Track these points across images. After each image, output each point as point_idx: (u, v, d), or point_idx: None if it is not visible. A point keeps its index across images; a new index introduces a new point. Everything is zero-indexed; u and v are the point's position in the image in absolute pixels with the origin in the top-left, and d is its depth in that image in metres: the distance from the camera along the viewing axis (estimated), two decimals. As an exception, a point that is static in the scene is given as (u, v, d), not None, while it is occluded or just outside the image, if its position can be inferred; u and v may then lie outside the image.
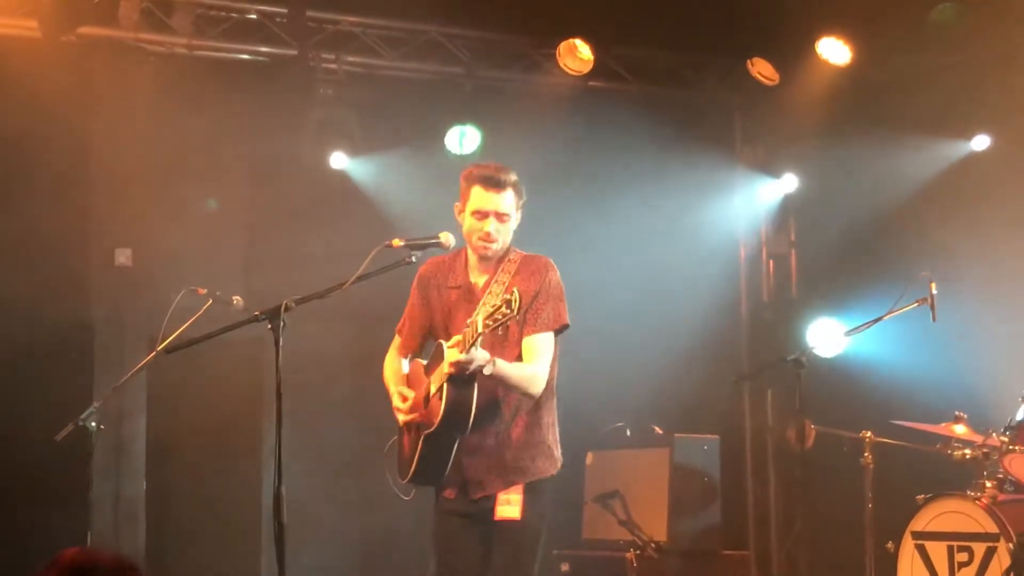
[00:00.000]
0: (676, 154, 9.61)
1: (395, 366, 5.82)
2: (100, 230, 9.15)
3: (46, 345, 8.66)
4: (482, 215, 5.43)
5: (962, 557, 7.05)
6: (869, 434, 7.89)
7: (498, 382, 5.21)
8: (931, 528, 7.21)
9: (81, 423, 6.73)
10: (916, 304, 7.19)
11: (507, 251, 5.50)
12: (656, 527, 8.32)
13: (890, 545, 7.37)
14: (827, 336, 9.09)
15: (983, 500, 6.98)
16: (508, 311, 4.75)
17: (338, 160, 9.42)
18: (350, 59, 9.15)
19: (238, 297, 6.89)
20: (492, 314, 4.79)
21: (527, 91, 9.49)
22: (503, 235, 5.43)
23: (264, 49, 8.99)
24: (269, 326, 5.15)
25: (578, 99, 9.51)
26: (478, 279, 5.51)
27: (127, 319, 9.06)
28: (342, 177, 9.50)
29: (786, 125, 9.86)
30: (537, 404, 5.35)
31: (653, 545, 8.10)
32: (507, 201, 5.44)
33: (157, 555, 9.02)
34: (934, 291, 7.11)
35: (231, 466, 9.35)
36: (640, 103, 9.79)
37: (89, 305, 9.10)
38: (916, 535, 7.27)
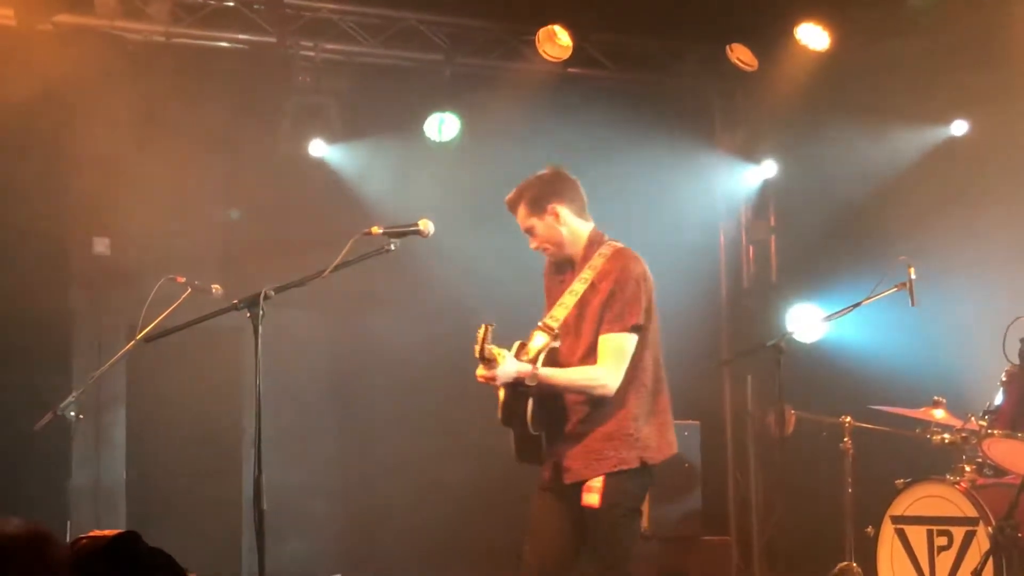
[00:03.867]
0: (655, 140, 9.61)
1: None
2: (78, 219, 9.12)
3: (25, 334, 8.63)
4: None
5: (941, 541, 7.08)
6: (848, 419, 7.93)
7: (556, 388, 5.35)
8: (910, 512, 7.24)
9: (60, 412, 6.72)
10: (895, 289, 7.19)
11: (594, 244, 5.60)
12: (637, 512, 8.32)
13: (870, 529, 7.40)
14: (807, 321, 9.10)
15: (962, 484, 7.01)
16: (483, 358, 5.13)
17: (317, 148, 9.40)
18: (328, 46, 9.12)
19: (217, 285, 6.88)
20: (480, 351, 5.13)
21: (506, 78, 9.47)
22: (543, 242, 5.60)
23: (242, 36, 8.95)
24: (248, 314, 5.15)
25: (557, 85, 9.50)
26: (572, 271, 5.62)
27: (105, 308, 9.03)
28: (321, 165, 9.47)
29: (765, 111, 9.86)
30: (621, 398, 5.38)
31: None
32: (521, 219, 5.63)
33: (138, 544, 9.00)
34: (913, 276, 7.11)
35: (211, 454, 9.34)
36: (619, 89, 9.79)
37: (67, 294, 9.07)
38: (896, 519, 7.29)
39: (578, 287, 5.46)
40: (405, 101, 9.48)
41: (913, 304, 7.12)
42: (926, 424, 7.46)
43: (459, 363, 9.47)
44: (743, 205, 10.59)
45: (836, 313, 7.44)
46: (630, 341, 5.37)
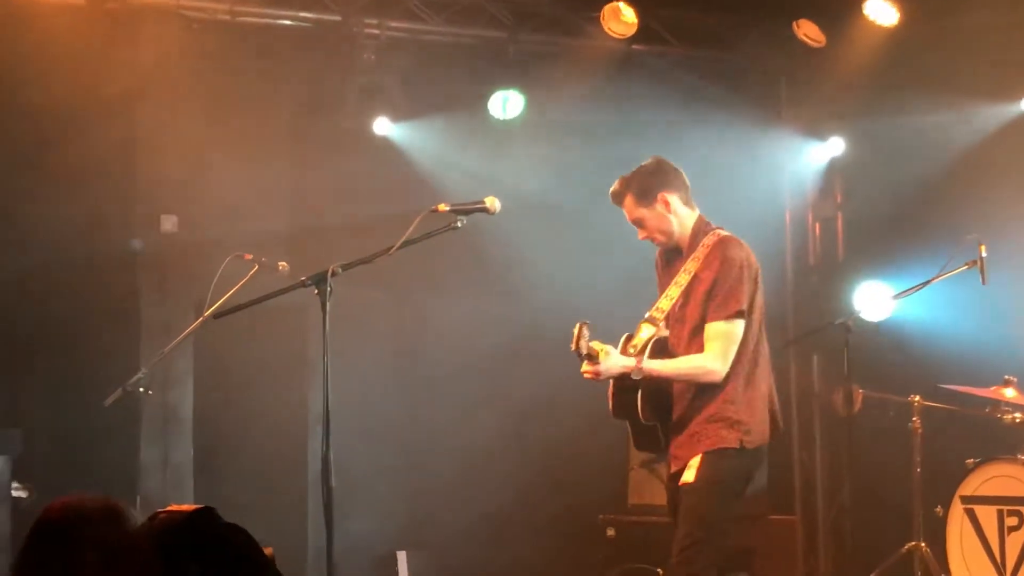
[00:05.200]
0: (720, 118, 9.53)
1: None
2: (146, 197, 9.17)
3: (94, 312, 8.71)
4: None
5: (1012, 521, 7.03)
6: (918, 398, 7.86)
7: (663, 379, 5.46)
8: (980, 492, 7.18)
9: (129, 388, 6.79)
10: (965, 267, 7.13)
11: (699, 233, 5.67)
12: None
13: (939, 510, 7.35)
14: (874, 300, 9.00)
15: (1033, 464, 6.95)
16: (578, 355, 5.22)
17: (381, 126, 9.41)
18: (393, 24, 9.10)
19: (284, 263, 6.91)
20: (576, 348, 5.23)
21: (570, 55, 9.42)
22: (653, 232, 5.69)
23: (307, 15, 8.95)
24: (316, 291, 5.18)
25: (621, 63, 9.44)
26: (680, 260, 5.70)
27: (173, 285, 9.08)
28: (386, 143, 9.49)
29: (832, 88, 9.75)
30: (721, 382, 5.46)
31: (699, 510, 8.08)
32: (629, 209, 5.70)
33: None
34: (983, 254, 7.05)
35: (277, 430, 9.38)
36: (684, 66, 9.71)
37: (135, 272, 9.13)
38: (965, 499, 7.24)
39: (682, 278, 5.56)
40: (469, 79, 9.47)
41: (984, 282, 7.06)
42: (996, 403, 7.39)
43: (522, 343, 9.55)
44: (809, 183, 10.49)
45: (905, 291, 7.40)
46: (737, 327, 5.45)
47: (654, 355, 5.43)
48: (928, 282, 7.20)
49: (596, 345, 5.26)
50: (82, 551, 2.56)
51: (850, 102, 9.78)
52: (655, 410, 5.48)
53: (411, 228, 5.30)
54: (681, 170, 5.79)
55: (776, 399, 5.74)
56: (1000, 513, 7.08)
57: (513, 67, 9.41)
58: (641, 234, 5.72)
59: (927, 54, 9.17)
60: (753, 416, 5.53)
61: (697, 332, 5.48)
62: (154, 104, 8.90)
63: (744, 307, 5.45)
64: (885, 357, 8.78)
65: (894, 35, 9.02)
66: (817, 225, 10.51)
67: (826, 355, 9.91)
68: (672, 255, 5.75)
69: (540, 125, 9.49)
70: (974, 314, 8.27)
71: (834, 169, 10.32)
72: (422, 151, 9.49)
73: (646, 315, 5.55)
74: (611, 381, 5.46)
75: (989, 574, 7.10)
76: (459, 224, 5.42)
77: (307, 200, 9.56)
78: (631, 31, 9.10)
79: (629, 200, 5.66)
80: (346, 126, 9.31)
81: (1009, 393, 7.33)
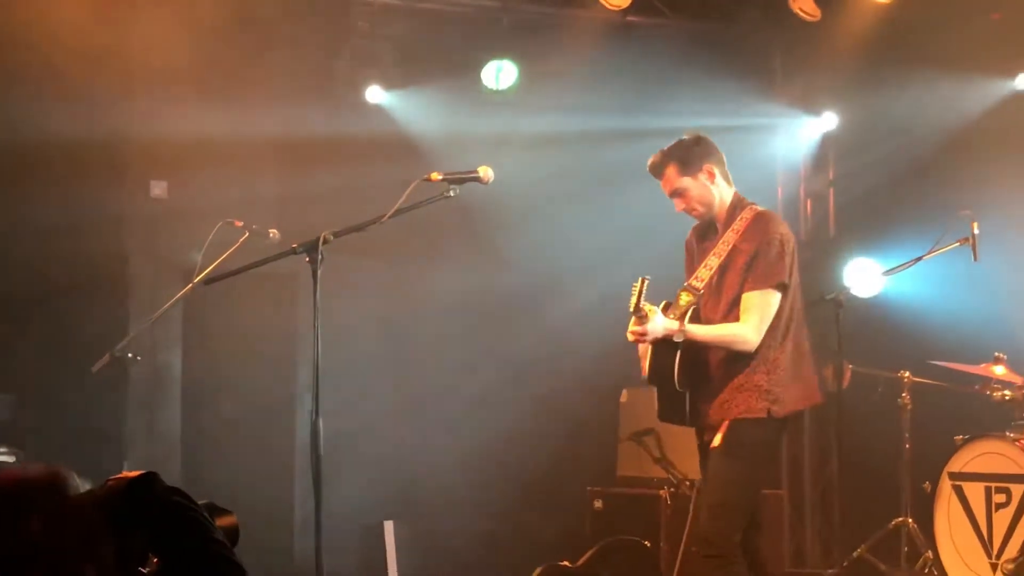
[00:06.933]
0: (714, 91, 9.49)
1: None
2: (135, 163, 9.13)
3: (81, 277, 8.68)
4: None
5: (1000, 498, 7.03)
6: (907, 374, 7.87)
7: (701, 344, 5.54)
8: (969, 469, 7.19)
9: (117, 354, 6.78)
10: (957, 244, 7.14)
11: (736, 208, 5.75)
12: (690, 465, 8.27)
13: (927, 486, 7.36)
14: (865, 276, 8.99)
15: (1022, 441, 6.95)
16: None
17: (374, 94, 9.37)
18: (386, -8, 9.08)
19: (274, 230, 6.89)
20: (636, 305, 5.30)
21: (565, 25, 9.39)
22: (694, 203, 5.73)
23: (300, -19, 8.93)
24: (307, 259, 5.16)
25: (616, 34, 9.41)
26: (716, 235, 5.75)
27: (162, 251, 9.05)
28: (378, 111, 9.45)
29: (827, 62, 9.72)
30: (754, 353, 5.55)
31: (687, 483, 8.09)
32: (670, 180, 5.73)
33: (192, 487, 9.04)
34: (976, 231, 7.05)
35: (265, 399, 9.37)
36: (679, 38, 9.68)
37: (124, 237, 9.10)
38: (953, 476, 7.25)
39: (721, 249, 5.62)
40: (463, 48, 9.43)
41: (976, 259, 7.06)
42: (986, 380, 7.40)
43: (512, 314, 9.54)
44: (802, 158, 10.47)
45: (896, 268, 7.39)
46: (774, 298, 5.54)
47: (691, 323, 5.55)
48: (919, 258, 7.20)
49: (647, 306, 5.36)
50: (26, 519, 2.62)
51: (844, 77, 9.75)
52: (689, 377, 5.56)
53: (404, 197, 5.29)
54: (718, 147, 5.85)
55: (814, 369, 5.81)
56: (988, 490, 7.09)
57: (507, 37, 9.37)
58: (679, 205, 5.76)
59: (922, 29, 9.14)
60: (783, 386, 5.59)
61: (735, 302, 5.57)
62: (145, 69, 8.85)
63: (786, 280, 5.55)
64: (875, 333, 8.77)
65: (889, 10, 9.00)
66: (809, 200, 10.50)
67: (816, 330, 9.75)
68: (707, 232, 5.81)
69: (533, 95, 9.45)
70: (965, 291, 8.26)
71: (827, 144, 10.30)
72: (415, 120, 9.45)
73: (685, 284, 5.65)
74: (650, 345, 5.54)
75: (976, 551, 7.11)
76: (452, 193, 5.42)
77: (299, 168, 9.51)
78: (626, 2, 9.05)
79: (672, 170, 5.70)
80: (339, 94, 9.27)
81: (999, 370, 7.34)
